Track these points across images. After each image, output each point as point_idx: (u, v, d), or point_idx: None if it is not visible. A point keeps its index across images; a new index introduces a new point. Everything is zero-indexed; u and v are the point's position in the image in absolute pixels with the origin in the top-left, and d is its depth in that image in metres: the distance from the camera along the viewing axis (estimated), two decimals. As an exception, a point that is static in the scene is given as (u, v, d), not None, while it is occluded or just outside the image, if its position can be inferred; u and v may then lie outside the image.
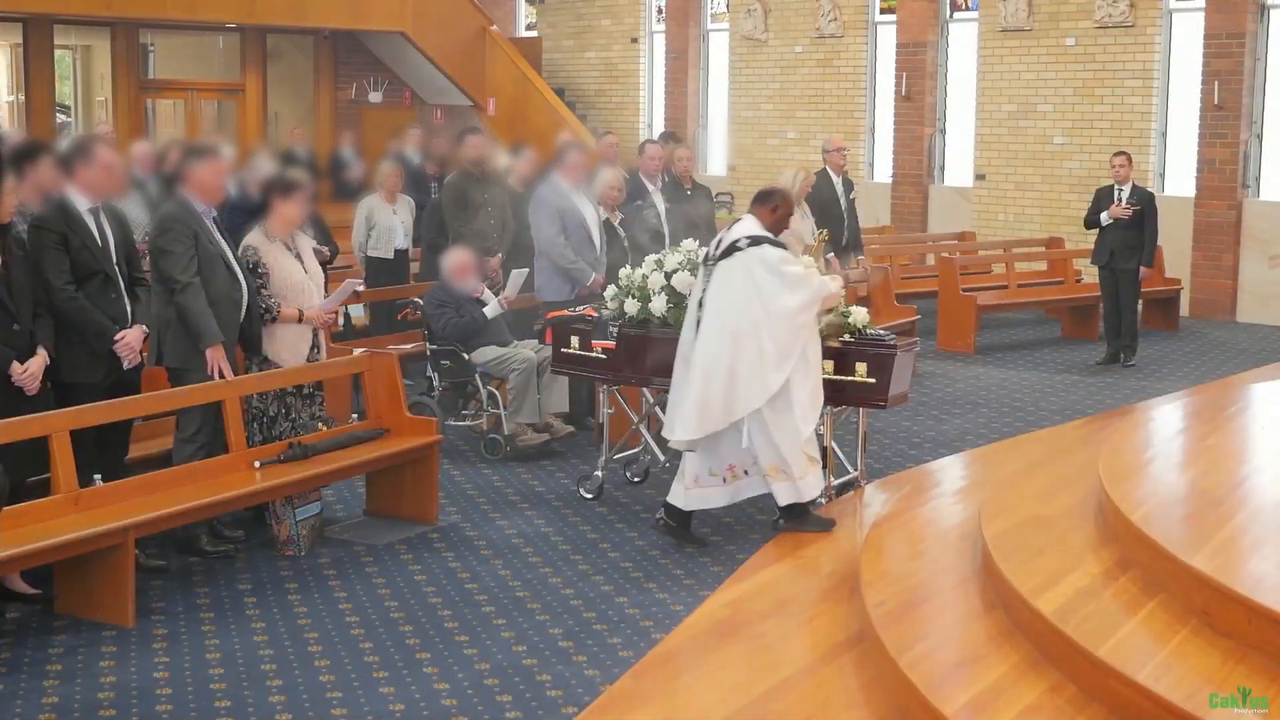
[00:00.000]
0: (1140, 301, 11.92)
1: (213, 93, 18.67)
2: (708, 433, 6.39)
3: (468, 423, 8.61)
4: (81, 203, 6.08)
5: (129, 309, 6.19)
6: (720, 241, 6.48)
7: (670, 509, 6.59)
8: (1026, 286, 13.32)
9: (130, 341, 6.13)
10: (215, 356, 6.33)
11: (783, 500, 6.49)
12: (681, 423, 6.41)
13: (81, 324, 6.00)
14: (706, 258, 6.54)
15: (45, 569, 5.64)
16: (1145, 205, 11.26)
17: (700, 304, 6.46)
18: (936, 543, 6.26)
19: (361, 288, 9.36)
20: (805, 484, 6.46)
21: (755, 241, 6.36)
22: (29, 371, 5.70)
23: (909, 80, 16.19)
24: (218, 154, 6.76)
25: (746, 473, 6.56)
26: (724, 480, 6.56)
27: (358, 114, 18.51)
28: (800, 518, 6.55)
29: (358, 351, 7.46)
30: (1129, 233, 11.24)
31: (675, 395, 6.53)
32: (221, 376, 6.34)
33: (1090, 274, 12.41)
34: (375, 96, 18.85)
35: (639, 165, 9.89)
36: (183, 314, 6.29)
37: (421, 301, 8.82)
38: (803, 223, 10.29)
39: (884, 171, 16.88)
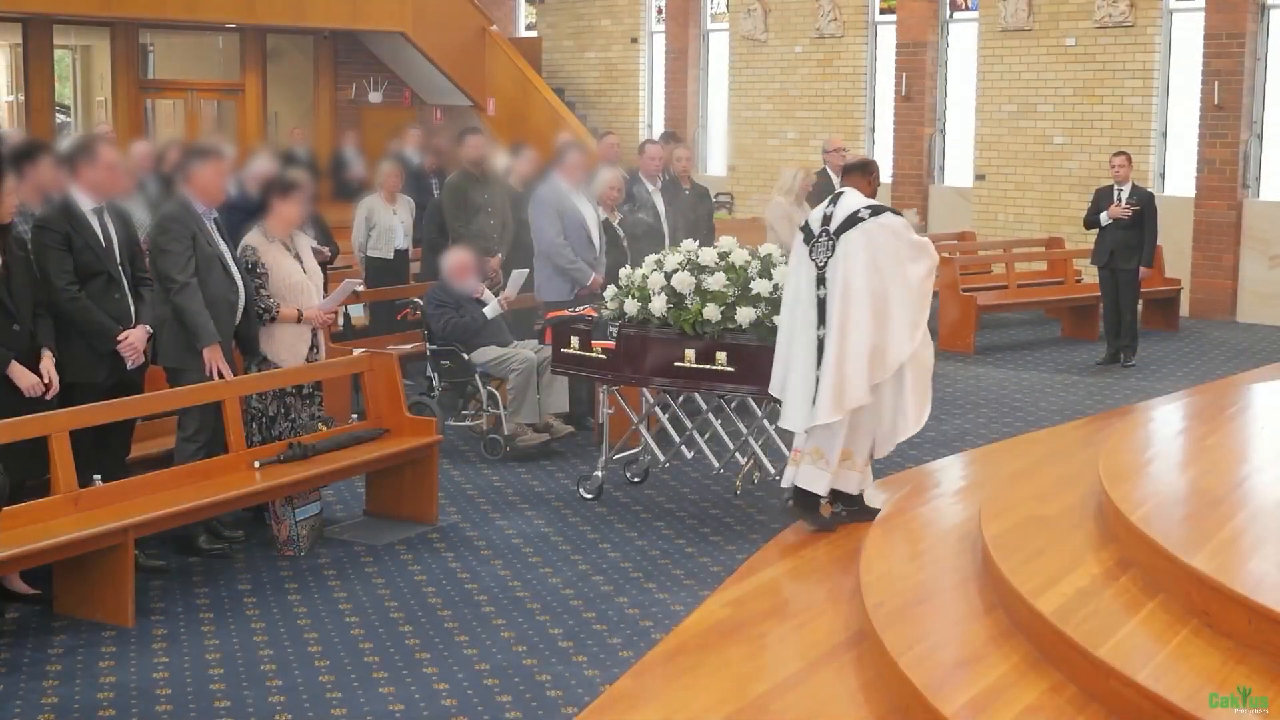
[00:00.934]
0: (1140, 301, 11.92)
1: (212, 93, 18.67)
2: (852, 408, 6.27)
3: (468, 423, 8.61)
4: (85, 203, 6.08)
5: (133, 309, 6.19)
6: (829, 217, 6.38)
7: (840, 498, 6.52)
8: (1026, 286, 13.32)
9: (133, 341, 6.13)
10: (213, 357, 6.34)
11: (816, 487, 6.45)
12: (824, 404, 6.25)
13: (84, 324, 6.00)
14: (810, 235, 6.42)
15: (45, 569, 5.64)
16: (1145, 205, 11.27)
17: (820, 280, 6.33)
18: (936, 543, 6.26)
19: (361, 288, 9.36)
20: (844, 478, 6.46)
21: (876, 211, 6.35)
22: (47, 380, 5.73)
23: (909, 80, 16.19)
24: (219, 155, 6.75)
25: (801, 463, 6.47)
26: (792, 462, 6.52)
27: (358, 114, 18.52)
28: (810, 510, 6.53)
29: (358, 351, 7.45)
30: (1129, 233, 11.24)
31: (799, 377, 6.36)
32: (220, 376, 6.35)
33: (1090, 274, 12.40)
34: (375, 96, 18.85)
35: (639, 165, 9.90)
36: (180, 314, 6.30)
37: (421, 301, 8.82)
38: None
39: (884, 172, 16.81)
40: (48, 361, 5.79)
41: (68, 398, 5.94)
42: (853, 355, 6.24)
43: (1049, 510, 5.98)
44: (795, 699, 4.77)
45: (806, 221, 6.54)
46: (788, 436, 7.37)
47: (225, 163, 6.92)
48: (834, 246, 6.32)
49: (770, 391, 6.59)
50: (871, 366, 6.26)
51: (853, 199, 6.43)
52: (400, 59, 18.39)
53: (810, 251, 6.41)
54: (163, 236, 6.36)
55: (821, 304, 6.32)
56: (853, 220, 6.31)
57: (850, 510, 6.54)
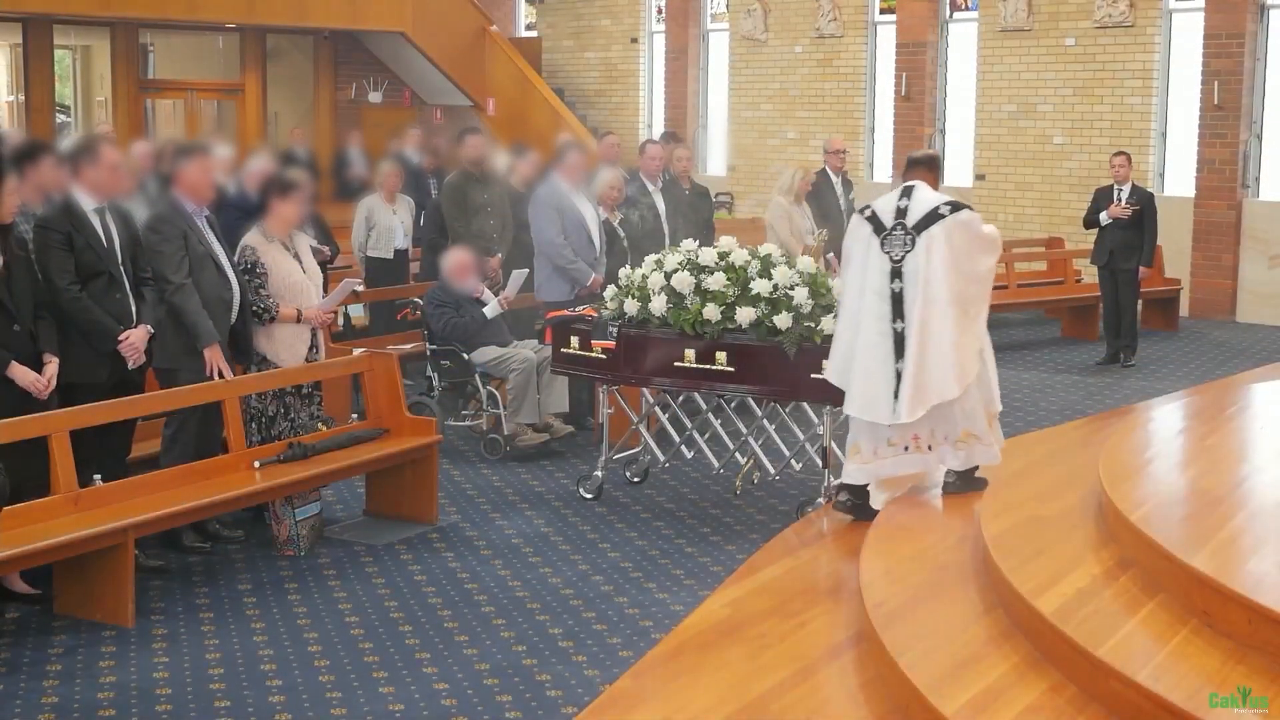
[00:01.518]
0: (1140, 301, 11.92)
1: (212, 93, 18.67)
2: (932, 405, 6.24)
3: (468, 423, 8.62)
4: (87, 202, 6.08)
5: (134, 309, 6.18)
6: (903, 210, 6.32)
7: (848, 488, 6.50)
8: (1026, 286, 13.32)
9: (134, 341, 6.12)
10: (213, 356, 6.34)
11: (961, 466, 6.47)
12: (904, 403, 6.22)
13: (85, 324, 6.00)
14: (880, 227, 6.35)
15: (45, 569, 5.64)
16: (1145, 205, 11.27)
17: (897, 274, 6.28)
18: (936, 543, 6.25)
19: (360, 288, 9.35)
20: (987, 450, 6.49)
21: (955, 207, 6.34)
22: (47, 380, 5.72)
23: (909, 80, 16.19)
24: (206, 153, 6.74)
25: (930, 447, 6.41)
26: (905, 449, 6.41)
27: (358, 114, 18.51)
28: (971, 480, 6.55)
29: (358, 351, 7.46)
30: (1128, 233, 11.24)
31: (875, 368, 6.29)
32: (220, 376, 6.35)
33: (1090, 274, 12.41)
34: (375, 96, 18.85)
35: (639, 165, 9.89)
36: (178, 314, 6.30)
37: (421, 301, 8.83)
38: (803, 222, 10.31)
39: (883, 171, 16.86)
40: (51, 368, 5.78)
41: (69, 398, 5.94)
42: (935, 352, 6.24)
43: (1049, 510, 5.97)
44: (795, 699, 4.77)
45: (873, 211, 6.43)
46: (787, 436, 7.40)
47: (212, 160, 6.88)
48: (913, 241, 6.27)
49: (828, 377, 6.48)
50: (958, 363, 6.27)
51: (927, 193, 6.39)
52: (400, 59, 18.39)
53: (883, 244, 6.34)
54: (154, 237, 6.36)
55: (896, 297, 6.30)
56: (934, 216, 6.28)
57: (854, 504, 6.53)
